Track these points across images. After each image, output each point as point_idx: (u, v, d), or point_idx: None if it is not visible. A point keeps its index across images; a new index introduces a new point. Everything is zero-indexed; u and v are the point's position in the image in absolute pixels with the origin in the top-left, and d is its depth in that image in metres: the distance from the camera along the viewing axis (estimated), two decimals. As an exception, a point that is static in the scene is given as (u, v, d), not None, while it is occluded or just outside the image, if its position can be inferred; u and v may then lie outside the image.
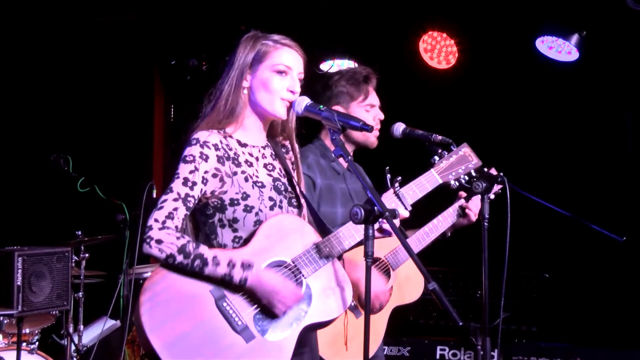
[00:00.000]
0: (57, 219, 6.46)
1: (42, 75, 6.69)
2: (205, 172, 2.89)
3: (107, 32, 6.82)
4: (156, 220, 2.80)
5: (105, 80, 6.97)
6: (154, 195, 5.16)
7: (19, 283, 4.50)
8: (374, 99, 3.83)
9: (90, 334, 5.78)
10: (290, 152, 3.20)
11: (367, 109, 3.80)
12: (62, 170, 5.61)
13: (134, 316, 2.80)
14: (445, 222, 3.82)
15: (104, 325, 5.64)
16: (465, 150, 3.38)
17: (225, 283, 2.81)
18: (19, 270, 4.51)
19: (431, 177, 3.28)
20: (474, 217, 3.80)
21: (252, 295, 2.85)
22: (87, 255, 5.64)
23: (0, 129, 6.52)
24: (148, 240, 2.77)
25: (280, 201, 3.02)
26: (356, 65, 5.99)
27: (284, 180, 3.09)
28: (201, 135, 2.93)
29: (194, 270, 2.78)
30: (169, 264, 2.78)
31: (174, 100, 7.40)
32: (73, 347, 5.56)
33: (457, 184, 3.36)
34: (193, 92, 6.45)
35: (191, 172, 2.87)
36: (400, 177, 3.21)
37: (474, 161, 3.37)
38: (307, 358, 3.06)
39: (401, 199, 3.18)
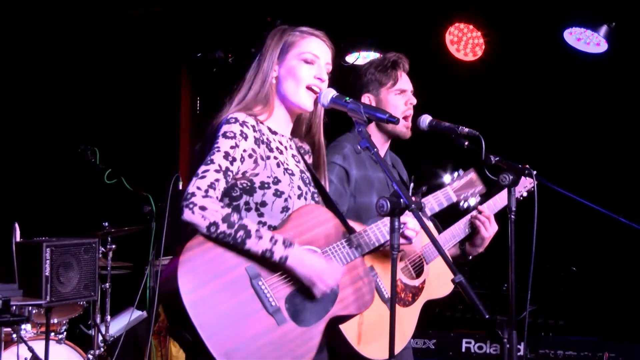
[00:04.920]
0: (85, 211, 6.52)
1: (70, 68, 6.75)
2: (244, 150, 2.88)
3: (134, 25, 6.86)
4: (199, 188, 2.73)
5: (132, 73, 7.02)
6: (180, 187, 5.18)
7: (47, 274, 4.54)
8: (404, 84, 3.78)
9: (117, 325, 5.83)
10: (308, 154, 3.19)
11: (397, 93, 3.75)
12: (90, 161, 5.64)
13: (169, 277, 2.70)
14: (459, 232, 3.81)
15: (131, 316, 5.68)
16: (472, 175, 3.53)
17: (264, 260, 2.77)
18: (47, 261, 4.55)
19: (447, 193, 3.44)
20: (484, 230, 3.73)
21: (290, 275, 2.82)
22: (114, 246, 5.70)
23: (28, 122, 6.59)
24: (191, 206, 2.69)
25: (306, 193, 3.02)
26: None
27: (308, 174, 3.10)
28: (239, 115, 2.92)
29: (235, 242, 2.72)
30: (210, 232, 2.70)
31: (200, 92, 7.42)
32: (100, 338, 5.61)
33: (465, 206, 3.55)
34: (219, 85, 6.47)
35: (232, 147, 2.84)
36: (425, 187, 3.23)
37: (479, 187, 3.55)
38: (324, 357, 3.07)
39: (424, 208, 3.28)
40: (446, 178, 3.41)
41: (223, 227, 2.70)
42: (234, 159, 2.84)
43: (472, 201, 3.52)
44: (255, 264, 2.78)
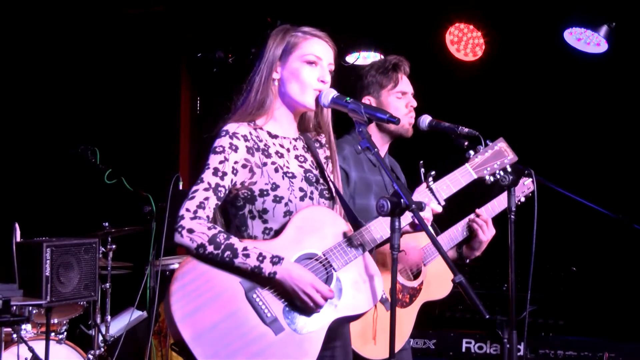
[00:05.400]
0: (85, 211, 6.52)
1: (71, 68, 6.75)
2: (235, 162, 2.91)
3: (135, 25, 6.86)
4: (188, 210, 2.81)
5: (132, 73, 7.02)
6: (180, 187, 5.18)
7: (47, 274, 4.55)
8: (405, 86, 3.78)
9: (118, 325, 5.83)
10: (324, 147, 3.19)
11: (398, 96, 3.75)
12: (90, 161, 5.65)
13: (164, 305, 2.80)
14: (456, 235, 3.79)
15: (131, 316, 5.69)
16: (501, 145, 3.30)
17: (254, 276, 2.81)
18: (48, 261, 4.55)
19: (465, 172, 3.22)
20: (482, 233, 3.72)
21: (281, 290, 2.84)
22: (114, 246, 5.69)
23: (28, 122, 6.59)
24: (179, 229, 2.79)
25: (312, 192, 3.01)
26: (383, 57, 5.96)
27: (316, 172, 3.09)
28: (230, 127, 2.95)
29: (223, 261, 2.78)
30: (199, 254, 2.79)
31: (200, 92, 7.43)
32: (100, 338, 5.61)
33: (493, 179, 3.29)
34: (219, 85, 6.48)
35: (221, 162, 2.89)
36: (434, 172, 3.18)
37: (510, 156, 3.29)
38: (340, 352, 3.05)
39: (435, 193, 3.14)
40: (471, 152, 3.25)
41: (210, 248, 2.78)
42: (225, 174, 2.88)
43: (501, 173, 3.28)
44: (248, 278, 2.83)
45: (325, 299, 2.84)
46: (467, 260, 3.83)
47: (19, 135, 6.50)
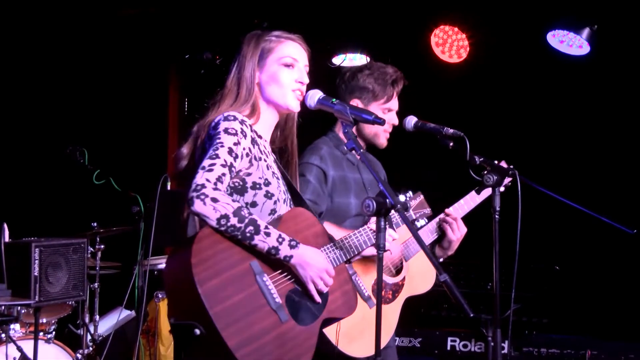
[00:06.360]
0: (73, 211, 6.53)
1: (59, 68, 6.75)
2: (244, 148, 2.87)
3: (123, 26, 6.87)
4: (208, 180, 2.69)
5: (121, 74, 7.02)
6: (168, 188, 5.20)
7: (35, 274, 4.56)
8: (394, 103, 3.82)
9: (106, 324, 5.84)
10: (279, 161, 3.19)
11: (385, 111, 3.79)
12: (78, 162, 5.66)
13: (182, 266, 2.67)
14: (427, 235, 3.85)
15: (119, 316, 5.71)
16: (421, 198, 3.62)
17: (267, 256, 2.78)
18: (36, 261, 4.56)
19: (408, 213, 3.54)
20: (451, 233, 3.78)
21: (292, 274, 2.85)
22: (102, 246, 5.70)
23: (17, 122, 6.60)
24: (202, 197, 2.65)
25: (286, 199, 3.04)
26: (369, 60, 5.99)
27: (284, 180, 3.12)
28: (237, 114, 2.91)
29: (244, 236, 2.71)
30: (219, 224, 2.68)
31: (187, 93, 7.45)
32: (89, 337, 5.62)
33: (418, 225, 3.67)
34: (206, 86, 6.49)
35: (235, 144, 2.82)
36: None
37: (428, 210, 3.62)
38: None
39: (392, 222, 3.38)
40: (400, 197, 3.50)
41: (234, 220, 2.69)
42: (237, 156, 2.82)
43: (421, 222, 3.64)
44: (258, 261, 2.79)
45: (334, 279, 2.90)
46: (441, 260, 3.88)
47: (8, 135, 6.50)
